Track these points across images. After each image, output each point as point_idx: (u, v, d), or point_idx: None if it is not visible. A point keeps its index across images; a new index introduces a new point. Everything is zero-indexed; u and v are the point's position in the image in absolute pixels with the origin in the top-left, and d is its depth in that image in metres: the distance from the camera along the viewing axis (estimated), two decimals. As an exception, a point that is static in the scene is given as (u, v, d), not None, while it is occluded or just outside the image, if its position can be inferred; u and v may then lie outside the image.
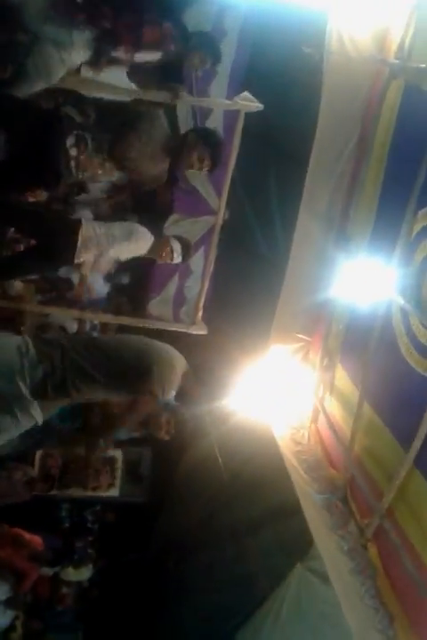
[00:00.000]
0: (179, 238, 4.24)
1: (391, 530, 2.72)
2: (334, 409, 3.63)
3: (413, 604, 2.50)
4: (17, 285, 4.93)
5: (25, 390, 2.66)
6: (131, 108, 3.77)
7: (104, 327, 5.27)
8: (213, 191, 4.81)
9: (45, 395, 2.70)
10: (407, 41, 3.09)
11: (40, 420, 2.77)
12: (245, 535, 5.11)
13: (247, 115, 4.03)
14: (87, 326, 5.15)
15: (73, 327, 5.13)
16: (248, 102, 3.93)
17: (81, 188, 4.57)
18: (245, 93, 3.94)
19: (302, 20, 3.64)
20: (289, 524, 4.43)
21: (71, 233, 3.65)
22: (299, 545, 4.27)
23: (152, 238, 4.04)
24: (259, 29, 4.17)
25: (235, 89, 4.35)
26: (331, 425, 3.55)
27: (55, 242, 3.65)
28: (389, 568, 2.74)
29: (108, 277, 5.34)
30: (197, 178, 4.76)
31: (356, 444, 3.22)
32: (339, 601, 2.75)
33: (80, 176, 3.27)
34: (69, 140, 3.15)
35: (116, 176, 3.48)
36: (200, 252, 5.06)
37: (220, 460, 4.42)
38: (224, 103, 4.22)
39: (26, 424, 2.74)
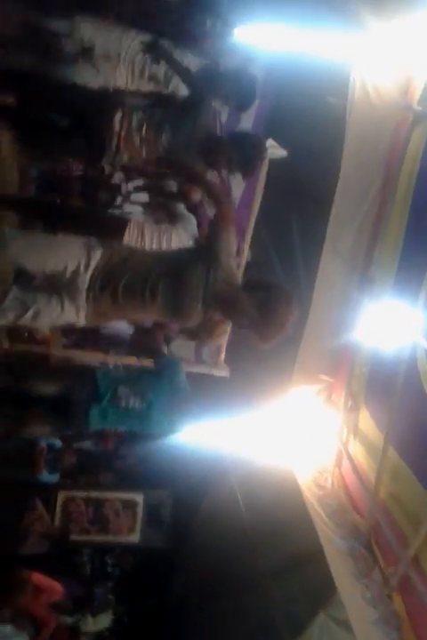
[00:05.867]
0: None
1: (418, 580, 2.63)
2: (359, 453, 3.56)
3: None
4: (43, 329, 5.01)
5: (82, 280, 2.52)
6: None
7: (127, 368, 5.30)
8: (236, 233, 4.87)
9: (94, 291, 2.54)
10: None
11: (82, 321, 2.59)
12: (266, 581, 4.99)
13: (271, 159, 4.12)
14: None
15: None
16: (273, 149, 4.01)
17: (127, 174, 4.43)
18: (270, 140, 4.03)
19: (324, 69, 3.74)
20: (312, 570, 4.31)
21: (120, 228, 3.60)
22: (321, 592, 4.14)
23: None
24: (282, 79, 4.29)
25: (259, 133, 4.46)
26: (355, 469, 3.49)
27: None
28: (415, 620, 2.65)
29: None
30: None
31: (381, 490, 3.16)
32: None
33: (119, 155, 3.26)
34: (117, 115, 3.19)
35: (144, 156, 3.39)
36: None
37: (241, 504, 4.36)
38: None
39: (68, 316, 2.58)
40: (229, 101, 3.68)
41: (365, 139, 3.55)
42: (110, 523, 6.35)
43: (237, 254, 4.71)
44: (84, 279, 2.53)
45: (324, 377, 4.09)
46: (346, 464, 3.70)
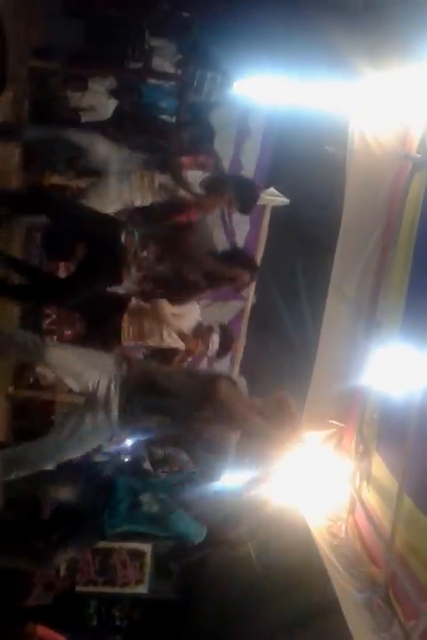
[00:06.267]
0: (222, 328, 4.26)
1: (440, 634, 2.56)
2: (372, 500, 3.51)
3: None
4: (48, 375, 5.00)
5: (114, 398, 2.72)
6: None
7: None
8: (241, 276, 4.91)
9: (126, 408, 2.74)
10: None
11: (116, 431, 2.80)
12: (279, 635, 4.84)
13: (274, 207, 4.19)
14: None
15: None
16: (274, 197, 4.08)
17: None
18: (272, 189, 4.10)
19: (323, 120, 3.83)
20: (327, 623, 4.18)
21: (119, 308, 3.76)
22: (338, 647, 4.02)
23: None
24: (282, 130, 4.39)
25: (260, 182, 4.53)
26: (370, 517, 3.43)
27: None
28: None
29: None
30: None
31: (397, 539, 3.09)
32: None
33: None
34: (122, 236, 3.32)
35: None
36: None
37: (252, 554, 4.26)
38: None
39: (103, 433, 2.79)
40: (232, 205, 3.80)
41: (365, 187, 3.62)
42: (118, 573, 6.19)
43: (242, 298, 4.77)
44: (116, 396, 2.72)
45: (334, 422, 4.06)
46: (359, 511, 3.65)
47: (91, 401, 2.76)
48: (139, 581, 6.18)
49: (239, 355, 4.80)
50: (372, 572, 3.27)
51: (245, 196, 3.65)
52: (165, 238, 3.35)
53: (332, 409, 4.07)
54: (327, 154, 3.93)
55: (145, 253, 3.29)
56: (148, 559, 6.17)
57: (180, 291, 3.47)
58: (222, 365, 5.10)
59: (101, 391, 2.73)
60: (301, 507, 3.92)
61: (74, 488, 3.39)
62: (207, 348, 4.04)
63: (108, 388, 2.74)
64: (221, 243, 5.06)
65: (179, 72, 5.78)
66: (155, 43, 5.83)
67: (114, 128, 4.43)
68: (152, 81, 6.06)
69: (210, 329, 4.01)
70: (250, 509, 3.30)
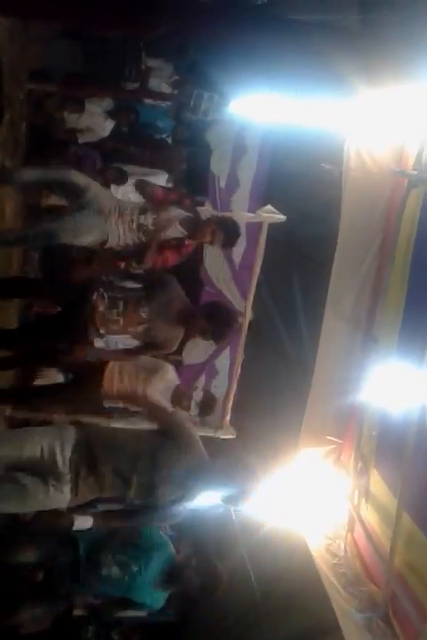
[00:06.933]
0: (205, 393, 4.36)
1: (442, 655, 2.52)
2: (371, 518, 3.48)
3: None
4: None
5: (61, 463, 2.68)
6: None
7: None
8: (238, 293, 4.92)
9: (79, 474, 2.69)
10: (425, 153, 3.25)
11: (65, 504, 2.72)
12: (279, 657, 4.77)
13: (271, 223, 4.20)
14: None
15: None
16: (271, 214, 4.10)
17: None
18: (269, 206, 4.12)
19: (319, 137, 3.85)
20: (327, 644, 4.13)
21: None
22: (338, 668, 3.95)
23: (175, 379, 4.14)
24: (278, 147, 4.42)
25: (256, 200, 4.57)
26: (369, 535, 3.39)
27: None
28: None
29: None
30: (222, 281, 4.89)
31: (396, 558, 3.06)
32: None
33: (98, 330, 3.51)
34: (92, 298, 3.47)
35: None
36: (226, 353, 5.10)
37: (251, 574, 4.22)
38: (248, 216, 4.41)
39: (55, 500, 2.71)
40: (216, 240, 3.85)
41: (361, 203, 3.63)
42: (116, 597, 6.12)
43: (240, 315, 4.77)
44: (65, 461, 2.69)
45: (331, 438, 4.03)
46: (358, 529, 3.61)
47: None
48: (137, 604, 6.09)
49: (237, 371, 4.78)
50: (372, 592, 3.23)
51: (228, 231, 3.75)
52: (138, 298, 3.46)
53: (330, 425, 4.04)
54: (323, 171, 3.95)
55: (115, 313, 3.40)
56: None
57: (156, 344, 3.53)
58: (221, 375, 5.11)
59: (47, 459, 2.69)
60: (299, 525, 3.87)
61: (37, 547, 3.38)
62: (188, 410, 4.09)
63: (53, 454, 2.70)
64: (217, 260, 5.09)
65: (175, 92, 5.85)
66: (151, 63, 5.90)
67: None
68: (149, 101, 6.12)
69: (188, 395, 4.09)
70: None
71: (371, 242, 3.70)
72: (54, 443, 2.71)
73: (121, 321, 3.42)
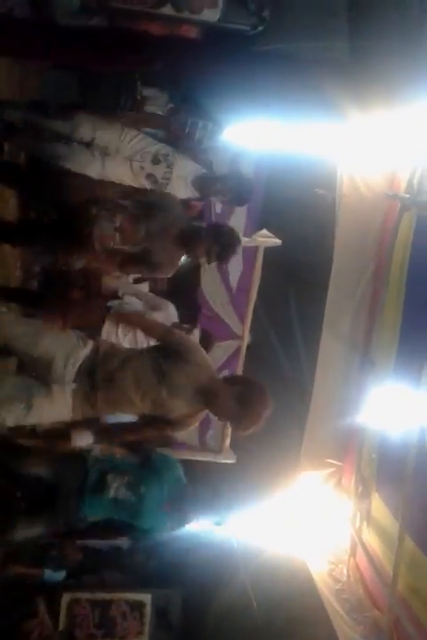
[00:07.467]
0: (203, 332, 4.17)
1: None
2: (373, 542, 3.46)
3: None
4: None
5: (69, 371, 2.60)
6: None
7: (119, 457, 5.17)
8: (235, 316, 4.93)
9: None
10: (416, 177, 3.30)
11: (68, 413, 2.63)
12: None
13: (266, 248, 4.24)
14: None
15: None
16: (267, 238, 4.13)
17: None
18: (264, 231, 4.16)
19: (312, 163, 3.91)
20: (332, 672, 4.07)
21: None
22: None
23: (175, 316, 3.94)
24: (272, 173, 4.47)
25: (252, 224, 4.60)
26: (371, 560, 3.37)
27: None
28: None
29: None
30: (220, 304, 4.90)
31: (399, 582, 3.04)
32: None
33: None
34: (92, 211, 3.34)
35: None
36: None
37: (253, 601, 4.17)
38: (244, 240, 4.44)
39: (57, 407, 2.63)
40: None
41: (355, 227, 3.68)
42: (117, 626, 6.02)
43: (237, 338, 4.79)
44: (71, 371, 2.60)
45: (332, 461, 4.02)
46: (361, 553, 3.58)
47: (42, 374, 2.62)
48: (139, 633, 6.00)
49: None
50: (375, 617, 3.20)
51: (224, 243, 3.63)
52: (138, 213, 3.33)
53: (329, 448, 4.04)
54: (318, 196, 4.01)
55: (111, 227, 3.26)
56: (147, 610, 6.01)
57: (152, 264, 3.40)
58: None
59: (55, 365, 2.60)
60: (301, 550, 3.85)
61: (48, 464, 3.28)
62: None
63: (64, 363, 2.61)
64: (215, 283, 5.12)
65: (171, 120, 5.91)
66: (147, 92, 5.98)
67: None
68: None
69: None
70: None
71: (366, 265, 3.74)
72: (66, 351, 2.63)
73: (117, 236, 3.29)
